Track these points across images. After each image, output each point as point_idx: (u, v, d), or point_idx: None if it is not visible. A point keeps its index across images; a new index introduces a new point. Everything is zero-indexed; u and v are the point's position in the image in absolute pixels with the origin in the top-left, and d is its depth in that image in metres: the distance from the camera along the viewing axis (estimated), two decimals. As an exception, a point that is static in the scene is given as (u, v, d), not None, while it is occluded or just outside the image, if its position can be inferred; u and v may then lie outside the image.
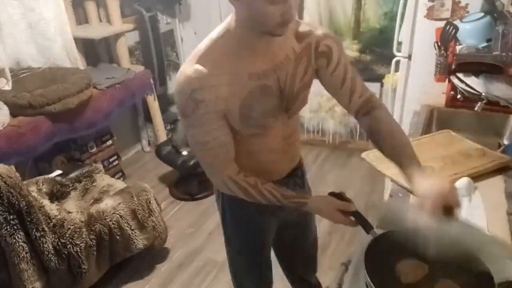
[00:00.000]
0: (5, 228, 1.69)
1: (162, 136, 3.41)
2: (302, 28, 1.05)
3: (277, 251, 1.52)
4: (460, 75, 1.76)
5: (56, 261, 1.83)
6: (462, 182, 1.12)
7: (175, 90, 0.98)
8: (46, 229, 1.79)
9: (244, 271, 1.45)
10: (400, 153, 1.00)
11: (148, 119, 3.47)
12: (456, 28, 1.68)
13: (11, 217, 1.69)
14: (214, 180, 1.10)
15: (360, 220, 1.04)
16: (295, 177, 1.28)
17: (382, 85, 3.18)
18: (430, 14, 1.97)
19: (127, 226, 2.05)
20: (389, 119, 1.10)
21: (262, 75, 1.00)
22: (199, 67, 0.94)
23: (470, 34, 1.79)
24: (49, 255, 1.81)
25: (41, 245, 1.78)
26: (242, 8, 0.91)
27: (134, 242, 2.09)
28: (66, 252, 1.85)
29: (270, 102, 1.03)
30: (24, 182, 1.86)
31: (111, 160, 3.08)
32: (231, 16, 0.96)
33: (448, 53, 1.75)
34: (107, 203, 2.06)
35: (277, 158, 1.18)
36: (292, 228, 1.40)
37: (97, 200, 2.17)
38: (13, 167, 1.73)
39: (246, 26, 0.94)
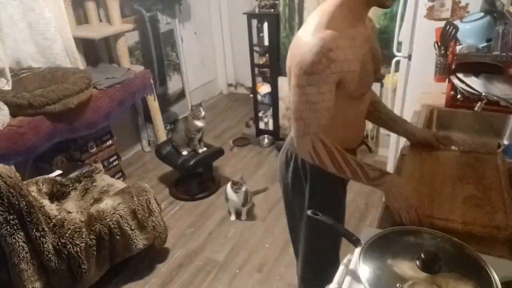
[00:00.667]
0: (5, 228, 1.69)
1: (162, 136, 3.41)
2: None
3: None
4: (460, 75, 1.76)
5: (56, 261, 1.83)
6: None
7: (307, 50, 1.06)
8: (46, 229, 1.79)
9: (326, 251, 1.49)
10: (394, 117, 1.47)
11: (148, 119, 3.47)
12: (456, 28, 1.68)
13: (11, 217, 1.69)
14: (302, 139, 1.15)
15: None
16: (364, 145, 1.49)
17: (382, 85, 3.17)
18: (430, 14, 1.97)
19: (127, 226, 2.05)
20: (383, 105, 1.50)
21: (367, 40, 1.18)
22: (331, 31, 1.07)
23: (470, 34, 1.79)
24: (49, 255, 1.81)
25: (41, 245, 1.78)
26: None
27: (134, 242, 2.09)
28: (66, 252, 1.85)
29: (371, 63, 1.21)
30: (24, 182, 1.86)
31: (111, 160, 3.08)
32: None
33: (448, 53, 1.74)
34: (107, 203, 2.06)
35: (360, 125, 1.38)
36: None
37: (97, 200, 2.17)
38: (13, 167, 1.73)
39: (359, 0, 1.10)
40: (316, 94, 1.09)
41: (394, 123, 1.46)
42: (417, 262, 0.87)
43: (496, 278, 0.84)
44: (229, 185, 2.64)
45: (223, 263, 2.35)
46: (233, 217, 2.70)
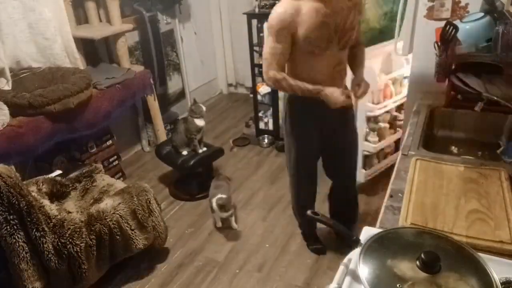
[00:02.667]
0: (5, 228, 1.69)
1: (162, 136, 3.41)
2: None
3: (324, 160, 2.17)
4: (460, 75, 1.76)
5: (56, 261, 1.83)
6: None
7: (272, 11, 1.66)
8: (46, 229, 1.79)
9: (300, 161, 2.07)
10: (355, 63, 1.90)
11: (148, 119, 3.47)
12: (456, 28, 1.68)
13: (11, 217, 1.69)
14: (266, 73, 1.74)
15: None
16: None
17: (382, 85, 3.17)
18: (430, 14, 1.97)
19: (127, 226, 2.05)
20: (361, 51, 1.92)
21: (325, 16, 1.63)
22: (289, 1, 1.63)
23: (470, 34, 1.79)
24: (49, 255, 1.81)
25: (41, 245, 1.78)
26: None
27: (134, 242, 2.09)
28: (66, 252, 1.85)
29: (325, 32, 1.65)
30: (24, 182, 1.86)
31: (111, 160, 3.08)
32: None
33: (448, 53, 1.74)
34: (107, 203, 2.06)
35: (326, 80, 1.74)
36: (336, 134, 1.98)
37: (97, 200, 2.17)
38: (13, 167, 1.74)
39: None
40: (273, 42, 1.68)
41: (352, 65, 1.91)
42: (417, 262, 0.87)
43: (496, 278, 0.84)
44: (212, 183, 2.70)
45: (223, 263, 2.35)
46: (219, 224, 2.63)
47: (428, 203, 1.20)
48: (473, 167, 1.38)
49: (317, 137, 1.97)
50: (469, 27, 1.79)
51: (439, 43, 1.75)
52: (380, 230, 1.01)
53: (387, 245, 0.94)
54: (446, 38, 1.71)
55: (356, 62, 1.89)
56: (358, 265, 0.89)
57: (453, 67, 1.77)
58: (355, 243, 0.97)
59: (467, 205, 1.19)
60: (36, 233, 1.76)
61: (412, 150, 1.54)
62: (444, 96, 1.85)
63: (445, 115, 1.84)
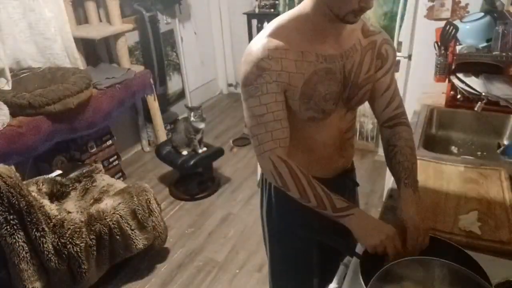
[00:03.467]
0: (5, 228, 1.69)
1: (162, 136, 3.41)
2: (368, 26, 1.11)
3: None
4: (460, 75, 1.76)
5: (56, 261, 1.83)
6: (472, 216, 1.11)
7: (242, 61, 1.01)
8: (46, 229, 1.79)
9: (285, 278, 1.34)
10: (401, 170, 1.06)
11: (148, 119, 3.47)
12: (456, 28, 1.68)
13: (11, 217, 1.69)
14: (262, 158, 1.02)
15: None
16: (346, 178, 1.24)
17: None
18: (430, 14, 1.97)
19: (127, 226, 2.05)
20: (408, 139, 1.12)
21: (329, 59, 1.02)
22: (270, 39, 0.98)
23: (470, 34, 1.79)
24: (49, 255, 1.81)
25: (41, 245, 1.78)
26: None
27: (134, 242, 2.09)
28: (66, 252, 1.85)
29: (332, 86, 1.04)
30: (24, 182, 1.86)
31: (111, 160, 3.08)
32: (305, 2, 1.01)
33: (448, 53, 1.75)
34: (107, 203, 2.06)
35: (331, 153, 1.15)
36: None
37: (97, 200, 2.17)
38: (13, 167, 1.73)
39: (320, 10, 0.97)
40: (258, 106, 0.98)
41: (397, 179, 1.08)
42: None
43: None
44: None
45: (223, 263, 2.35)
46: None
47: (428, 203, 1.20)
48: (473, 167, 1.38)
49: (317, 253, 1.26)
50: (469, 27, 1.79)
51: (439, 43, 1.75)
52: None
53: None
54: (446, 38, 1.71)
55: (403, 164, 1.07)
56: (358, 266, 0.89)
57: (453, 67, 1.77)
58: (356, 255, 0.96)
59: (467, 205, 1.19)
60: (36, 233, 1.76)
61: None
62: (444, 96, 1.85)
63: (445, 115, 1.84)
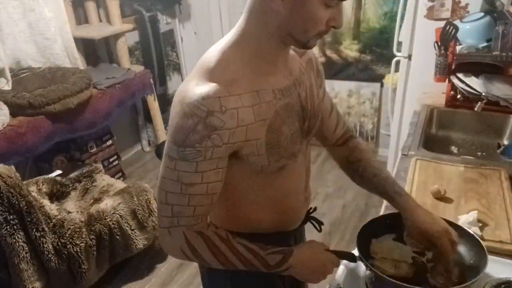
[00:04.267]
0: (5, 228, 1.69)
1: (162, 136, 3.41)
2: None
3: None
4: (460, 75, 1.76)
5: (56, 261, 1.83)
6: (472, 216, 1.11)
7: (178, 111, 0.74)
8: (46, 229, 1.79)
9: None
10: (383, 183, 0.96)
11: (148, 119, 3.47)
12: (456, 28, 1.68)
13: (11, 217, 1.69)
14: (170, 233, 0.81)
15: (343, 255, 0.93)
16: (304, 223, 1.07)
17: (382, 85, 3.18)
18: (430, 14, 1.97)
19: (127, 226, 2.05)
20: (365, 150, 1.06)
21: (286, 92, 0.83)
22: (217, 83, 0.73)
23: (470, 34, 1.79)
24: (49, 255, 1.81)
25: (41, 245, 1.78)
26: (281, 12, 0.73)
27: (134, 242, 2.09)
28: (66, 252, 1.85)
29: (295, 123, 0.85)
30: (24, 182, 1.86)
31: (111, 160, 3.08)
32: (243, 26, 0.78)
33: (448, 53, 1.75)
34: (107, 203, 2.06)
35: (299, 200, 0.98)
36: None
37: (97, 200, 2.17)
38: (13, 167, 1.74)
39: (273, 35, 0.76)
40: (191, 173, 0.75)
41: (382, 192, 0.97)
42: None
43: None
44: None
45: (223, 263, 2.35)
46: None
47: (428, 203, 1.20)
48: (473, 167, 1.38)
49: None
50: (469, 27, 1.79)
51: (439, 43, 1.75)
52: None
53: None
54: (446, 38, 1.71)
55: (380, 176, 0.99)
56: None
57: (453, 67, 1.77)
58: (353, 258, 0.94)
59: (467, 205, 1.19)
60: (36, 233, 1.76)
61: (412, 150, 1.54)
62: (444, 96, 1.85)
63: (445, 115, 1.84)
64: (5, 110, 2.11)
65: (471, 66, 1.74)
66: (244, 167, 0.82)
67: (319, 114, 0.95)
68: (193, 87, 0.74)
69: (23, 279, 1.78)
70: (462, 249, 0.93)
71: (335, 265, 0.90)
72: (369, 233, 0.97)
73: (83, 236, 1.91)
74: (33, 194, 1.80)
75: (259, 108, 0.77)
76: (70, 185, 2.28)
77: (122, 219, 2.03)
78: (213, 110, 0.71)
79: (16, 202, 1.68)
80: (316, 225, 1.09)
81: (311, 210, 1.08)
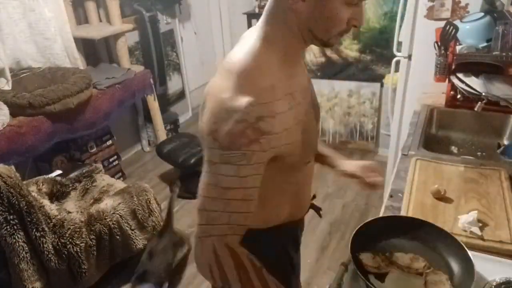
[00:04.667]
0: (5, 228, 1.69)
1: (162, 136, 3.41)
2: None
3: None
4: (460, 75, 1.76)
5: (56, 261, 1.83)
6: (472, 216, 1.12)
7: (223, 117, 0.73)
8: (46, 229, 1.79)
9: None
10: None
11: (148, 119, 3.47)
12: (456, 28, 1.68)
13: (11, 217, 1.69)
14: (201, 242, 0.79)
15: None
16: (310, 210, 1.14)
17: (382, 85, 3.18)
18: (430, 14, 1.97)
19: (127, 226, 2.05)
20: None
21: (308, 91, 0.87)
22: (260, 90, 0.73)
23: (470, 34, 1.79)
24: (49, 255, 1.81)
25: (41, 245, 1.78)
26: (302, 12, 0.74)
27: (134, 242, 2.09)
28: (66, 252, 1.85)
29: (314, 119, 0.90)
30: (24, 182, 1.86)
31: (111, 160, 3.08)
32: (265, 28, 0.79)
33: (448, 53, 1.75)
34: (107, 203, 2.06)
35: (309, 191, 1.05)
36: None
37: (97, 200, 2.17)
38: (13, 167, 1.74)
39: (296, 34, 0.77)
40: (231, 177, 0.74)
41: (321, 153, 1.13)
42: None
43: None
44: None
45: (223, 263, 2.35)
46: None
47: (428, 203, 1.20)
48: (473, 167, 1.38)
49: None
50: (469, 27, 1.79)
51: (439, 43, 1.75)
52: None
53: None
54: (446, 38, 1.71)
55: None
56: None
57: (453, 67, 1.77)
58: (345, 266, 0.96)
59: (467, 205, 1.19)
60: (36, 233, 1.76)
61: (412, 150, 1.54)
62: (444, 96, 1.85)
63: (445, 115, 1.84)
64: (5, 110, 2.11)
65: (471, 66, 1.74)
66: (274, 165, 0.81)
67: (319, 108, 1.00)
68: (239, 92, 0.73)
69: (23, 279, 1.77)
70: (453, 264, 0.93)
71: None
72: (360, 243, 0.97)
73: (83, 236, 1.91)
74: (33, 194, 1.80)
75: (295, 111, 0.80)
76: (70, 185, 2.28)
77: (122, 219, 2.03)
78: (262, 115, 0.72)
79: (16, 202, 1.68)
80: (318, 210, 1.19)
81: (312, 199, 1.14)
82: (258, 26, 0.81)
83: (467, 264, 0.88)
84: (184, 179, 3.07)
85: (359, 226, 0.99)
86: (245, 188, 0.76)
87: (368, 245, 0.97)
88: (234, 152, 0.73)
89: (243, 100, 0.72)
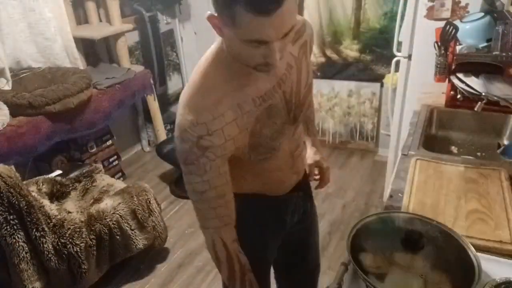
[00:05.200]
0: (5, 228, 1.69)
1: (162, 136, 3.41)
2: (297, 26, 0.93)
3: (278, 271, 1.43)
4: (460, 75, 1.76)
5: (56, 261, 1.83)
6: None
7: (177, 136, 0.87)
8: (46, 229, 1.79)
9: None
10: (307, 130, 1.28)
11: (148, 119, 3.47)
12: (456, 28, 1.68)
13: (11, 217, 1.69)
14: (205, 233, 0.98)
15: None
16: (299, 191, 1.20)
17: (382, 85, 3.18)
18: (430, 14, 1.97)
19: (127, 226, 2.05)
20: (312, 112, 1.33)
21: (268, 96, 0.91)
22: (201, 110, 0.83)
23: (470, 34, 1.79)
24: (49, 255, 1.81)
25: (41, 245, 1.78)
26: (225, 42, 0.84)
27: (134, 242, 2.09)
28: (66, 252, 1.85)
29: (277, 122, 0.95)
30: (24, 182, 1.86)
31: (111, 160, 3.08)
32: (218, 44, 0.88)
33: (448, 53, 1.75)
34: (107, 203, 2.06)
35: (284, 175, 1.11)
36: (295, 247, 1.32)
37: (97, 200, 2.17)
38: (13, 167, 1.74)
39: (234, 58, 0.85)
40: (200, 183, 0.89)
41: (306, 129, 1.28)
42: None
43: (478, 267, 0.85)
44: None
45: (223, 263, 2.35)
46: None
47: (428, 203, 1.21)
48: (473, 167, 1.38)
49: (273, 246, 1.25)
50: (469, 27, 1.79)
51: (439, 43, 1.75)
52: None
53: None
54: (446, 38, 1.71)
55: (309, 129, 1.31)
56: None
57: (453, 67, 1.77)
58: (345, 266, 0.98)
59: (467, 205, 1.19)
60: (36, 233, 1.76)
61: (412, 150, 1.55)
62: (444, 96, 1.85)
63: (445, 115, 1.84)
64: (5, 110, 2.11)
65: (471, 66, 1.74)
66: (236, 161, 0.94)
67: (305, 102, 1.04)
68: (186, 112, 0.85)
69: (23, 279, 1.78)
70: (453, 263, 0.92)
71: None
72: (359, 242, 0.97)
73: (83, 236, 1.91)
74: (33, 194, 1.80)
75: (241, 120, 0.88)
76: (70, 185, 2.28)
77: (122, 219, 2.03)
78: (201, 135, 0.83)
79: (16, 202, 1.68)
80: (301, 194, 1.22)
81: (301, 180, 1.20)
82: (216, 39, 0.89)
83: (468, 264, 0.88)
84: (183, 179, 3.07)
85: (356, 224, 0.98)
86: (215, 188, 0.89)
87: (367, 244, 0.97)
88: (190, 166, 0.87)
89: (187, 121, 0.84)
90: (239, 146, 0.90)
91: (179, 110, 0.87)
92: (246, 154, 0.94)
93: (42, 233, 1.77)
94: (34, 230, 1.75)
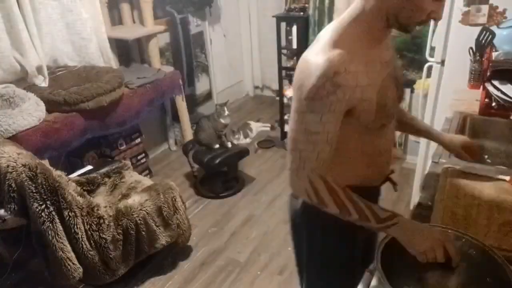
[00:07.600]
0: (44, 217, 1.76)
1: (189, 136, 3.46)
2: None
3: None
4: (496, 82, 1.70)
5: (88, 251, 1.90)
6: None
7: (305, 73, 0.93)
8: (79, 220, 1.85)
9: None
10: (419, 123, 1.37)
11: (176, 118, 3.53)
12: (493, 34, 1.63)
13: (51, 208, 1.76)
14: (297, 175, 0.98)
15: None
16: (386, 183, 1.24)
17: (412, 91, 3.11)
18: (466, 19, 1.92)
19: (152, 223, 2.09)
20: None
21: (388, 64, 1.03)
22: (340, 51, 0.92)
23: (507, 40, 1.73)
24: (83, 244, 1.88)
25: (76, 232, 1.85)
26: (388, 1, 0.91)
27: (159, 239, 2.13)
28: (97, 238, 1.92)
29: (394, 90, 1.06)
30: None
31: (139, 157, 3.15)
32: (359, 6, 0.96)
33: (483, 59, 1.70)
34: (135, 199, 2.11)
35: (384, 161, 1.15)
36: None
37: (125, 196, 2.22)
38: (47, 160, 1.80)
39: (382, 17, 0.94)
40: (316, 123, 0.93)
41: (417, 128, 1.36)
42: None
43: None
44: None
45: (245, 264, 2.36)
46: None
47: (459, 213, 1.17)
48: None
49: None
50: (507, 33, 1.73)
51: (474, 49, 1.70)
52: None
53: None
54: (482, 44, 1.66)
55: (420, 126, 1.37)
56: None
57: (488, 73, 1.72)
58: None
59: (500, 216, 1.15)
60: (70, 213, 1.82)
61: (443, 158, 1.50)
62: (478, 103, 1.80)
63: (478, 123, 1.78)
64: (42, 106, 2.20)
65: (507, 73, 1.68)
66: (353, 125, 1.00)
67: (402, 84, 1.13)
68: (322, 54, 0.93)
69: (64, 265, 1.83)
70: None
71: (442, 246, 0.92)
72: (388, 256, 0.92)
73: (111, 229, 1.96)
74: (68, 190, 1.87)
75: (370, 75, 0.96)
76: (100, 180, 2.35)
77: (149, 215, 2.08)
78: (338, 71, 0.90)
79: (54, 193, 1.74)
80: (394, 182, 1.26)
81: (390, 173, 1.24)
82: (355, 3, 0.97)
83: (506, 283, 0.84)
84: (208, 179, 3.11)
85: (384, 238, 0.96)
86: (327, 133, 0.94)
87: (396, 259, 0.92)
88: (318, 102, 0.92)
89: (323, 58, 0.91)
90: (367, 98, 0.96)
91: (311, 53, 0.95)
92: (372, 113, 0.98)
93: (76, 223, 1.84)
94: (68, 211, 1.81)
